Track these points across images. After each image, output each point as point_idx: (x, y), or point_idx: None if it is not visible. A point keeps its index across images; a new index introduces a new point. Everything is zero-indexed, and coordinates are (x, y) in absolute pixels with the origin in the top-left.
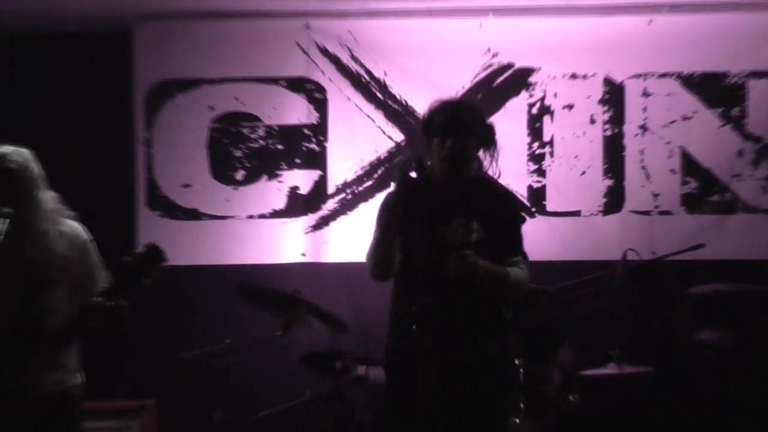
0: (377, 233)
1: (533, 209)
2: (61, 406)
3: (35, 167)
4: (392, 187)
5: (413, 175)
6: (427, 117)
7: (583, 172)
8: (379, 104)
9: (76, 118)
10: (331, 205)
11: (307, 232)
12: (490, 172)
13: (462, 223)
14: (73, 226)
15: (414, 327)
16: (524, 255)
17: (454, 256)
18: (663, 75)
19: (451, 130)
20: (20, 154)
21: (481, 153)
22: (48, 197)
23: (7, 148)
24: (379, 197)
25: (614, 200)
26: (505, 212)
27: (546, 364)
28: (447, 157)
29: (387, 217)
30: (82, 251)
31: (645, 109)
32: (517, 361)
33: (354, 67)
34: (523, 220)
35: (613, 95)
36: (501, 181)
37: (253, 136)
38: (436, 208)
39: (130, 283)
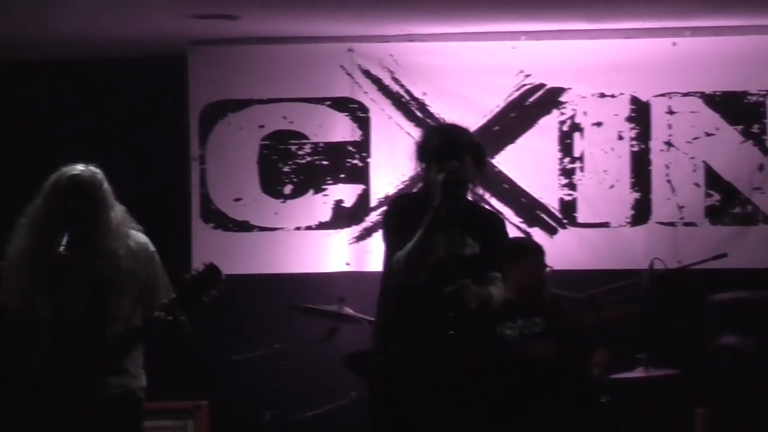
0: (421, 235)
1: (564, 221)
2: (126, 407)
3: (106, 185)
4: (440, 193)
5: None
6: (422, 142)
7: (612, 186)
8: (419, 122)
9: (136, 137)
10: (373, 217)
11: (351, 243)
12: (480, 191)
13: (455, 235)
14: (140, 239)
15: (450, 332)
16: (502, 273)
17: (457, 287)
18: (687, 94)
19: (449, 152)
20: (92, 172)
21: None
22: (117, 213)
23: (78, 167)
24: None
25: (641, 212)
26: (493, 230)
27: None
28: (448, 179)
29: (432, 218)
30: (147, 264)
31: (670, 126)
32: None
33: (395, 87)
34: (506, 240)
35: (640, 113)
36: (533, 193)
37: (300, 152)
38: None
39: (189, 300)
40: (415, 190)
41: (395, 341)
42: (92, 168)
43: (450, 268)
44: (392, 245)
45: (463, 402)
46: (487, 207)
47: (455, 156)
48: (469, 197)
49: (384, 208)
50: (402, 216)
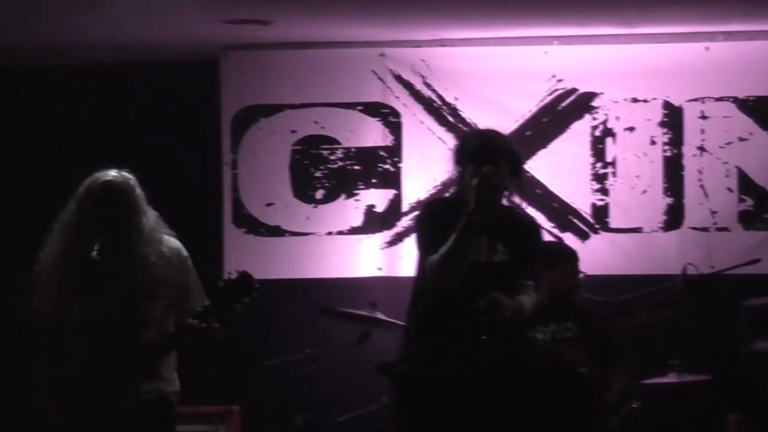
0: (455, 240)
1: (597, 226)
2: (159, 411)
3: (138, 190)
4: (474, 198)
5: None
6: (459, 146)
7: (644, 191)
8: (451, 127)
9: (168, 142)
10: (405, 222)
11: (382, 248)
12: (516, 199)
13: (486, 242)
14: (172, 245)
15: (484, 338)
16: (536, 281)
17: (488, 300)
18: (720, 99)
19: (485, 156)
20: (125, 178)
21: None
22: (150, 218)
23: (111, 173)
24: None
25: (674, 217)
26: (527, 236)
27: (609, 373)
28: (481, 183)
29: (466, 223)
30: (180, 269)
31: (703, 131)
32: (582, 370)
33: (427, 92)
34: (541, 246)
35: (672, 118)
36: (565, 198)
37: (332, 157)
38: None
39: (223, 307)
40: (447, 194)
41: (425, 346)
42: (125, 173)
43: (481, 277)
44: (425, 249)
45: (491, 406)
46: (523, 213)
47: (491, 161)
48: (505, 203)
49: (416, 212)
50: (434, 220)
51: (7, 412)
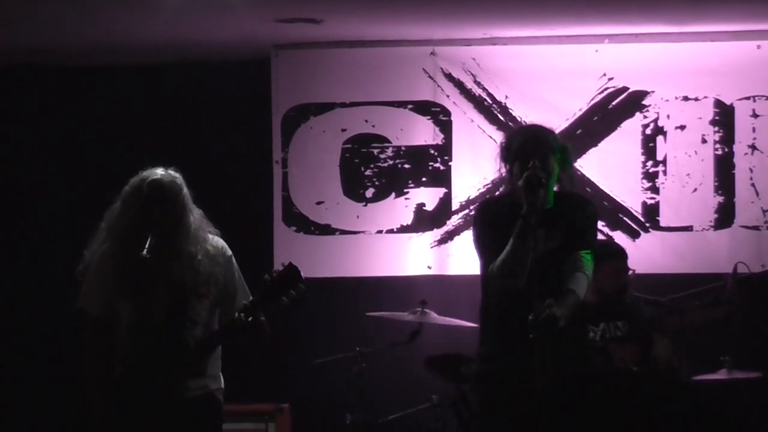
0: (513, 245)
1: (647, 224)
2: (205, 408)
3: (185, 189)
4: (524, 197)
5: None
6: (505, 144)
7: (695, 189)
8: (501, 126)
9: (219, 140)
10: (455, 220)
11: (432, 246)
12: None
13: (542, 233)
14: (217, 243)
15: (531, 336)
16: (594, 250)
17: (535, 317)
18: None
19: (533, 151)
20: (172, 177)
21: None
22: (196, 217)
23: (158, 171)
24: None
25: (725, 216)
26: (582, 212)
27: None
28: (528, 181)
29: (522, 227)
30: (225, 268)
31: (754, 130)
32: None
33: (477, 91)
34: (597, 217)
35: (724, 116)
36: (615, 197)
37: (382, 156)
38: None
39: (269, 301)
40: (498, 192)
41: (495, 347)
42: (172, 172)
43: (531, 280)
44: (485, 252)
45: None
46: (578, 194)
47: (537, 156)
48: (557, 189)
49: (466, 211)
50: (490, 221)
51: (56, 413)
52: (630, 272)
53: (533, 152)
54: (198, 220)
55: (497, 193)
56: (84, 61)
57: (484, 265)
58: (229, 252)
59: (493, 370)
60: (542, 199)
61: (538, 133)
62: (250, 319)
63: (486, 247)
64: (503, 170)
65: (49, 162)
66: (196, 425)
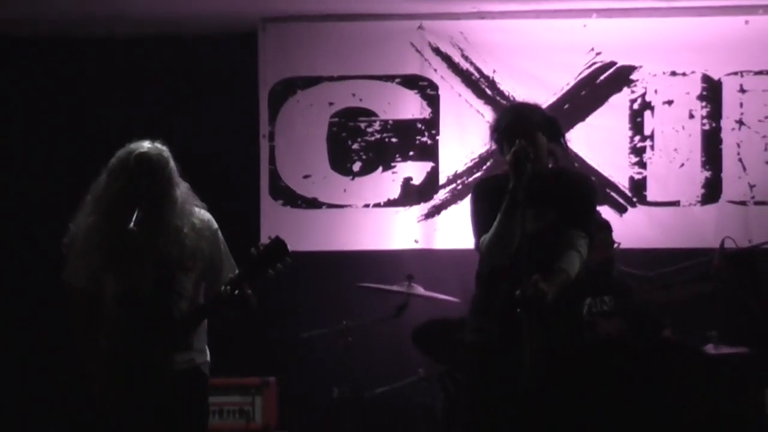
0: (500, 220)
1: (634, 199)
2: (191, 382)
3: (172, 163)
4: (511, 174)
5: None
6: (494, 124)
7: (682, 164)
8: (489, 100)
9: (206, 113)
10: (442, 194)
11: (419, 220)
12: (563, 163)
13: (534, 212)
14: (203, 216)
15: (518, 311)
16: (589, 233)
17: (523, 292)
18: (759, 72)
19: (518, 129)
20: (159, 150)
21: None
22: (182, 190)
23: (145, 145)
24: None
25: (712, 191)
26: (577, 190)
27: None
28: (514, 159)
29: (508, 203)
30: (211, 241)
31: (741, 105)
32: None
33: (465, 65)
34: (594, 197)
35: (711, 92)
36: (602, 171)
37: (369, 130)
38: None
39: (255, 274)
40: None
41: (485, 321)
42: (158, 145)
43: (520, 257)
44: (477, 229)
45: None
46: (573, 171)
47: (524, 134)
48: (551, 166)
49: (453, 185)
50: (484, 200)
51: (43, 388)
52: (615, 245)
53: (519, 130)
54: (184, 194)
55: (485, 167)
56: (70, 33)
57: (477, 242)
58: (215, 225)
59: (481, 342)
60: (529, 174)
61: (522, 112)
62: (236, 292)
63: (480, 224)
64: (492, 147)
65: (36, 134)
66: (182, 399)
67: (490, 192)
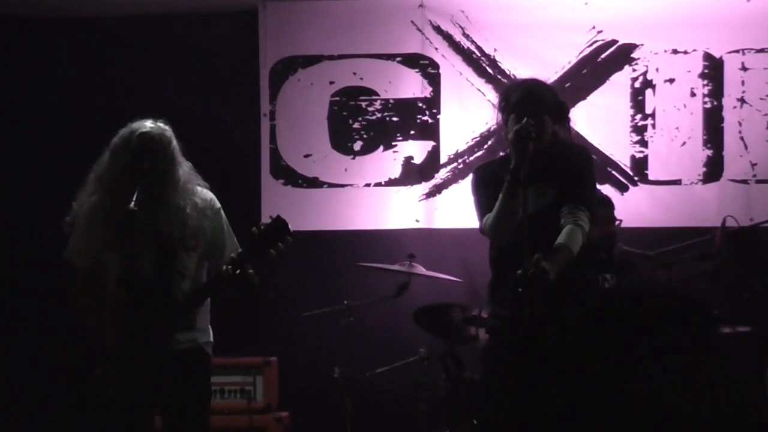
0: (502, 199)
1: (636, 178)
2: (194, 361)
3: (174, 142)
4: (513, 152)
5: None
6: (504, 95)
7: (684, 143)
8: (490, 79)
9: (206, 92)
10: (443, 174)
11: (420, 200)
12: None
13: (534, 191)
14: (206, 196)
15: (519, 290)
16: (590, 207)
17: (527, 268)
18: (760, 50)
19: (527, 108)
20: (161, 129)
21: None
22: (184, 170)
23: (147, 124)
24: None
25: (713, 169)
26: (575, 163)
27: None
28: (517, 137)
29: (510, 182)
30: (213, 221)
31: (743, 83)
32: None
33: (466, 43)
34: (591, 168)
35: (713, 70)
36: (604, 150)
37: (370, 109)
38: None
39: (257, 253)
40: (496, 157)
41: (499, 306)
42: (161, 125)
43: (520, 236)
44: (480, 212)
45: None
46: (569, 144)
47: (531, 112)
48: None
49: (454, 164)
50: (485, 184)
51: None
52: (617, 222)
53: (528, 109)
54: (187, 173)
55: (486, 146)
56: (71, 12)
57: (480, 224)
58: (218, 205)
59: (496, 327)
60: (531, 152)
61: (535, 90)
62: (237, 271)
63: (482, 206)
64: (495, 122)
65: (36, 114)
66: (185, 378)
67: (490, 176)
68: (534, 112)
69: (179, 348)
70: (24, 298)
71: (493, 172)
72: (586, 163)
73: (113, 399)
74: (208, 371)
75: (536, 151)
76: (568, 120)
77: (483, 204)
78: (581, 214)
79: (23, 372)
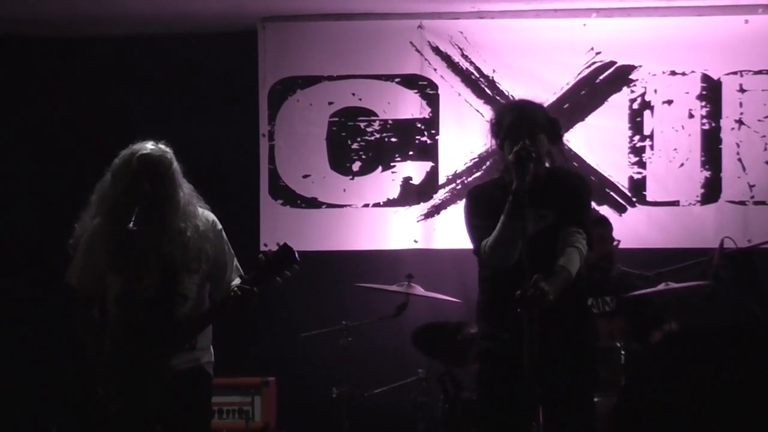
0: (504, 222)
1: (634, 199)
2: (195, 381)
3: (175, 164)
4: (514, 174)
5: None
6: (496, 119)
7: (682, 164)
8: (488, 100)
9: (206, 113)
10: (442, 194)
11: (419, 220)
12: (558, 164)
13: (533, 212)
14: (207, 218)
15: (518, 310)
16: (586, 229)
17: (522, 293)
18: (758, 72)
19: (522, 128)
20: (162, 151)
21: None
22: (185, 192)
23: (148, 146)
24: None
25: (711, 191)
26: (574, 189)
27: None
28: (517, 159)
29: (512, 203)
30: (215, 243)
31: (741, 105)
32: (618, 344)
33: (464, 64)
34: (588, 193)
35: (711, 91)
36: (602, 171)
37: (369, 129)
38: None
39: (263, 280)
40: (487, 180)
41: (495, 327)
42: (162, 146)
43: (521, 258)
44: (477, 235)
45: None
46: (569, 171)
47: (527, 134)
48: (548, 165)
49: (453, 185)
50: (480, 206)
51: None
52: (615, 242)
53: (523, 130)
54: (187, 195)
55: (484, 167)
56: (70, 32)
57: (475, 247)
58: (219, 226)
59: (493, 349)
60: (532, 173)
61: (527, 111)
62: (242, 295)
63: (480, 228)
64: (492, 145)
65: (36, 134)
66: (187, 398)
67: (485, 197)
68: (530, 132)
69: (181, 368)
70: (27, 318)
71: (488, 194)
72: (582, 188)
73: (115, 419)
74: (210, 391)
75: (536, 170)
76: (561, 138)
77: (479, 226)
78: (578, 237)
79: (25, 391)
